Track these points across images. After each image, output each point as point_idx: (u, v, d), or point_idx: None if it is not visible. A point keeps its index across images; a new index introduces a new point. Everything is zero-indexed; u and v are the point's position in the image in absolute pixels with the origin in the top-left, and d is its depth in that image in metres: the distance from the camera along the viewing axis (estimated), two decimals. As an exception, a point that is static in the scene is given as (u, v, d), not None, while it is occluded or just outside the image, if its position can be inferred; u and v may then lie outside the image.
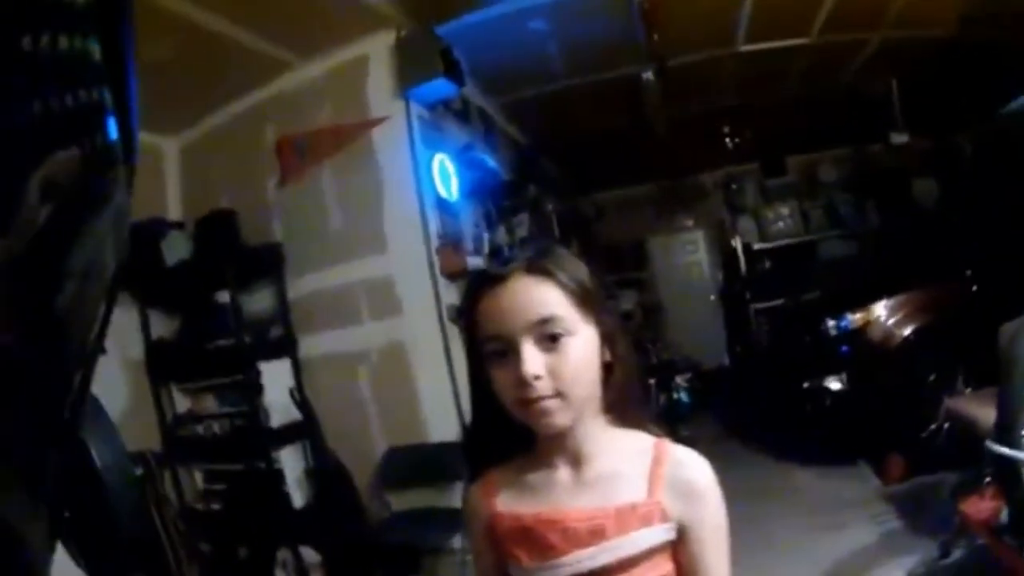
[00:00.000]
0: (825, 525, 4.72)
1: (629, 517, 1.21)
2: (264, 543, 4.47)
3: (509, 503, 1.30)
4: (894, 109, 7.64)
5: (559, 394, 1.17)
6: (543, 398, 1.16)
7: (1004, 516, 2.98)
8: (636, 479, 1.24)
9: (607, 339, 1.24)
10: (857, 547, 4.34)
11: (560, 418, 1.19)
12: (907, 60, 6.77)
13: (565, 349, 1.17)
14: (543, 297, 1.18)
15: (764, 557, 4.14)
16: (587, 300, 1.21)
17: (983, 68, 6.80)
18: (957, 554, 3.76)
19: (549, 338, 1.17)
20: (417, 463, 4.55)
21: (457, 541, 4.30)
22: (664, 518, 1.22)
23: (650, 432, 1.31)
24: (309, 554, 4.45)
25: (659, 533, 1.22)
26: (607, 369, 1.25)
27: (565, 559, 1.21)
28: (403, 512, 4.56)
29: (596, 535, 1.21)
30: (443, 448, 4.45)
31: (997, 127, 7.49)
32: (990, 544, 3.13)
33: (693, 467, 1.27)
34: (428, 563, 4.54)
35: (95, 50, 0.85)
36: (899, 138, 7.92)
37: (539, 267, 1.20)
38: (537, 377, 1.15)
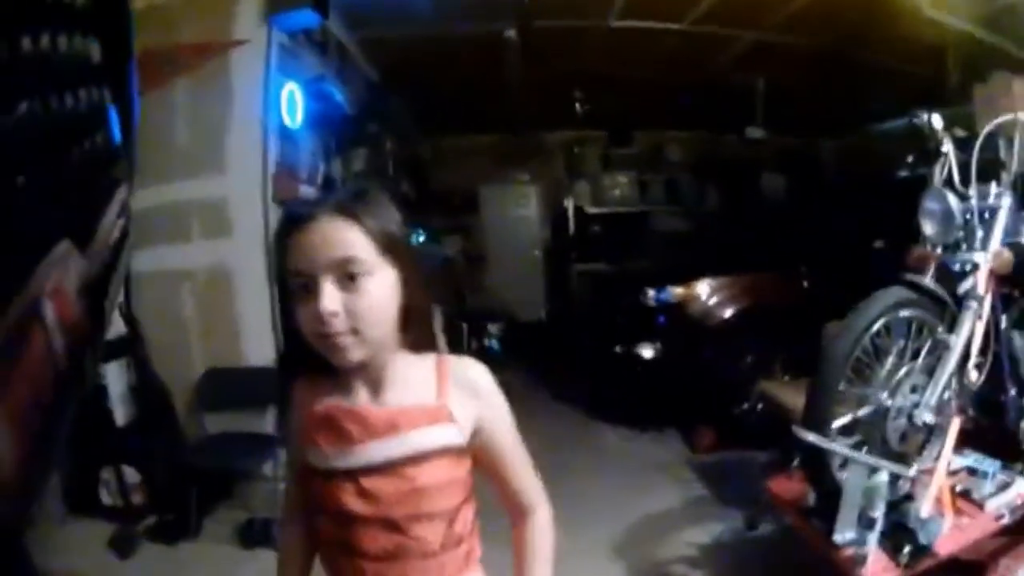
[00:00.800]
0: (632, 486, 4.94)
1: (420, 415, 1.33)
2: (87, 461, 4.30)
3: (320, 398, 1.38)
4: (755, 105, 7.97)
5: (354, 331, 1.24)
6: (339, 334, 1.24)
7: (810, 499, 3.21)
8: (426, 386, 1.37)
9: (406, 283, 1.31)
10: (664, 509, 4.57)
11: (353, 354, 1.27)
12: (778, 62, 7.02)
13: (363, 289, 1.24)
14: (345, 238, 1.23)
15: (570, 511, 4.20)
16: (389, 245, 1.28)
17: (855, 83, 7.14)
18: (764, 528, 4.04)
19: (348, 277, 1.23)
20: (234, 386, 4.51)
21: (269, 468, 4.32)
22: (452, 419, 1.35)
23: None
24: (131, 474, 4.31)
25: (449, 433, 1.34)
26: (404, 311, 1.33)
27: (360, 447, 1.32)
28: (217, 435, 4.49)
29: (390, 428, 1.32)
30: (260, 373, 4.43)
31: (862, 142, 7.96)
32: (797, 524, 3.33)
33: (474, 369, 1.42)
34: (240, 488, 4.53)
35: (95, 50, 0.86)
36: (755, 132, 8.27)
37: (346, 209, 1.25)
38: (333, 314, 1.22)
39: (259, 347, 4.59)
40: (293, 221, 1.27)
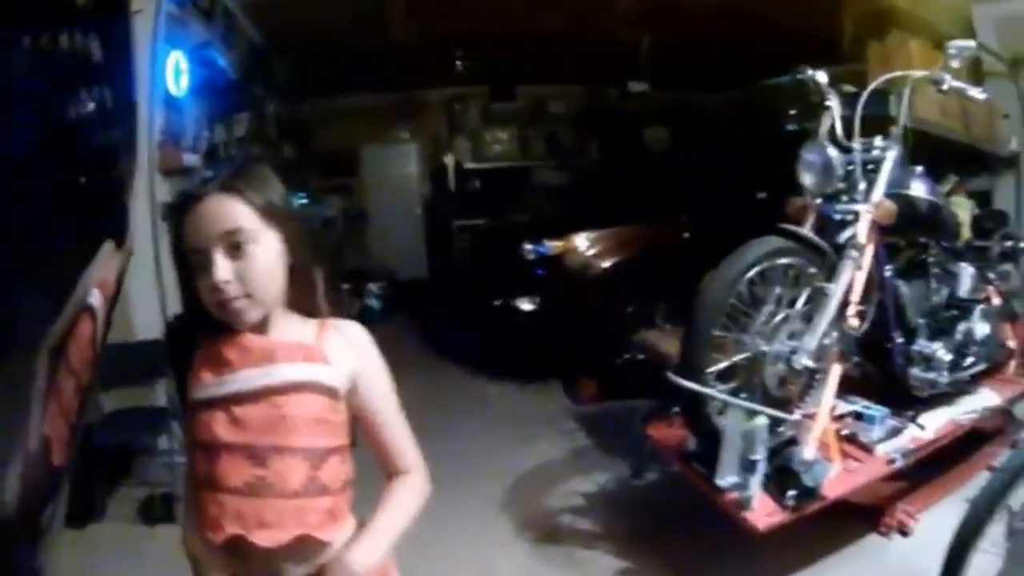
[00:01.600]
0: (516, 439, 4.98)
1: (296, 350, 1.43)
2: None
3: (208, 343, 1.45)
4: (639, 59, 8.01)
5: (247, 295, 1.37)
6: (234, 299, 1.36)
7: (691, 444, 3.29)
8: (307, 335, 1.48)
9: (290, 245, 1.43)
10: (549, 460, 4.62)
11: (250, 315, 1.39)
12: (667, 17, 7.06)
13: (250, 255, 1.36)
14: (230, 211, 1.35)
15: (454, 466, 4.15)
16: (271, 212, 1.39)
17: (746, 39, 7.20)
18: (649, 476, 4.12)
19: (235, 247, 1.35)
20: (125, 361, 4.31)
21: (164, 441, 4.20)
22: (327, 362, 1.45)
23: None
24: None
25: (322, 371, 1.44)
26: (291, 272, 1.44)
27: (235, 375, 1.39)
28: (113, 412, 4.34)
29: (265, 357, 1.40)
30: (149, 346, 4.25)
31: (748, 97, 8.08)
32: (680, 469, 3.42)
33: (352, 326, 1.53)
34: (138, 463, 4.41)
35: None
36: (638, 86, 8.33)
37: (229, 185, 1.37)
38: (226, 282, 1.34)
39: (147, 321, 4.42)
40: (183, 203, 1.39)
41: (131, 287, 4.41)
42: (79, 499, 4.02)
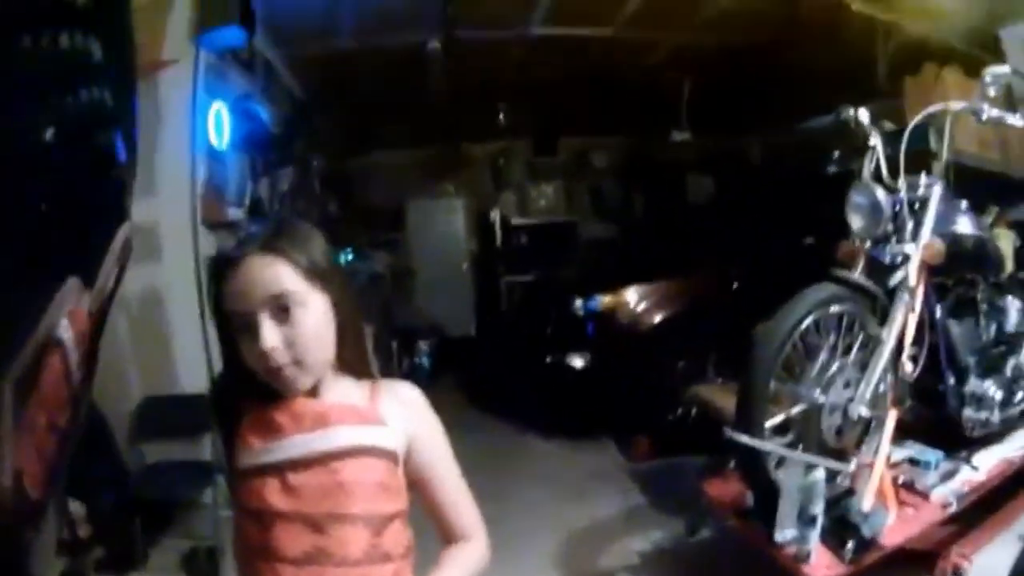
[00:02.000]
0: (569, 496, 4.91)
1: (350, 413, 1.38)
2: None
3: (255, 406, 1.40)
4: (680, 107, 8.04)
5: (297, 362, 1.32)
6: (283, 366, 1.31)
7: (748, 499, 3.20)
8: (360, 397, 1.43)
9: (337, 306, 1.38)
10: (602, 518, 4.55)
11: (300, 383, 1.35)
12: (703, 63, 7.11)
13: (298, 319, 1.31)
14: (274, 275, 1.30)
15: (507, 524, 4.10)
16: (316, 272, 1.34)
17: (782, 81, 7.19)
18: (704, 533, 4.01)
19: (282, 310, 1.30)
20: (170, 414, 4.40)
21: (208, 495, 4.21)
22: (383, 423, 1.40)
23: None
24: (76, 507, 4.15)
25: (378, 433, 1.39)
26: (340, 332, 1.39)
27: (288, 440, 1.34)
28: (156, 464, 4.38)
29: (320, 421, 1.35)
30: (194, 399, 4.27)
31: (789, 140, 8.04)
32: (737, 526, 3.33)
33: (405, 387, 1.50)
34: (181, 516, 4.41)
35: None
36: (680, 135, 8.34)
37: (271, 246, 1.32)
38: (274, 349, 1.29)
39: (192, 373, 4.47)
40: (223, 264, 1.34)
41: (175, 339, 4.56)
42: (120, 546, 4.12)
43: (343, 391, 1.42)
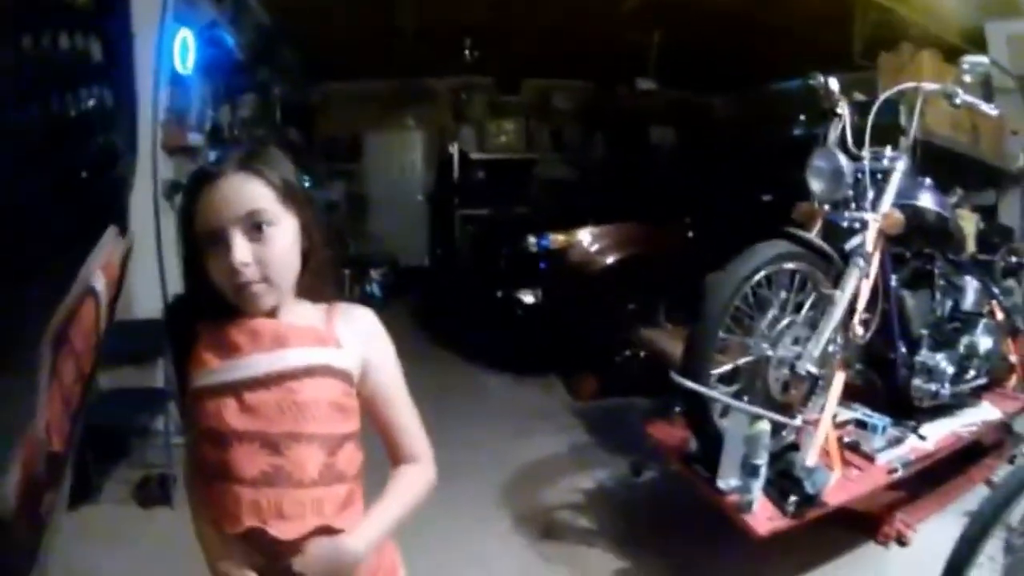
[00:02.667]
0: (514, 432, 4.96)
1: (307, 334, 1.40)
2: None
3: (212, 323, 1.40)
4: (649, 57, 8.00)
5: (265, 279, 1.33)
6: (252, 282, 1.32)
7: (693, 445, 3.27)
8: (317, 319, 1.45)
9: (306, 230, 1.41)
10: (547, 455, 4.60)
11: (265, 300, 1.36)
12: (677, 17, 7.05)
13: (270, 237, 1.33)
14: (250, 192, 1.33)
15: (451, 457, 4.21)
16: (289, 195, 1.37)
17: (756, 43, 7.23)
18: (648, 475, 4.11)
19: (255, 228, 1.32)
20: (124, 340, 4.28)
21: (161, 423, 4.20)
22: (338, 345, 1.42)
23: None
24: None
25: (334, 354, 1.40)
26: (304, 256, 1.42)
27: (245, 359, 1.35)
28: (108, 392, 4.23)
29: (277, 342, 1.36)
30: (148, 325, 4.18)
31: (757, 99, 8.07)
32: (681, 471, 3.40)
33: (361, 310, 1.51)
34: (135, 445, 4.39)
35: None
36: (646, 84, 8.32)
37: (248, 165, 1.34)
38: (245, 264, 1.30)
39: (147, 299, 4.40)
40: (200, 181, 1.35)
41: (132, 265, 4.44)
42: (71, 477, 4.05)
43: (301, 313, 1.43)
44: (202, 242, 1.33)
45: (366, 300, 7.64)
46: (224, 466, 1.32)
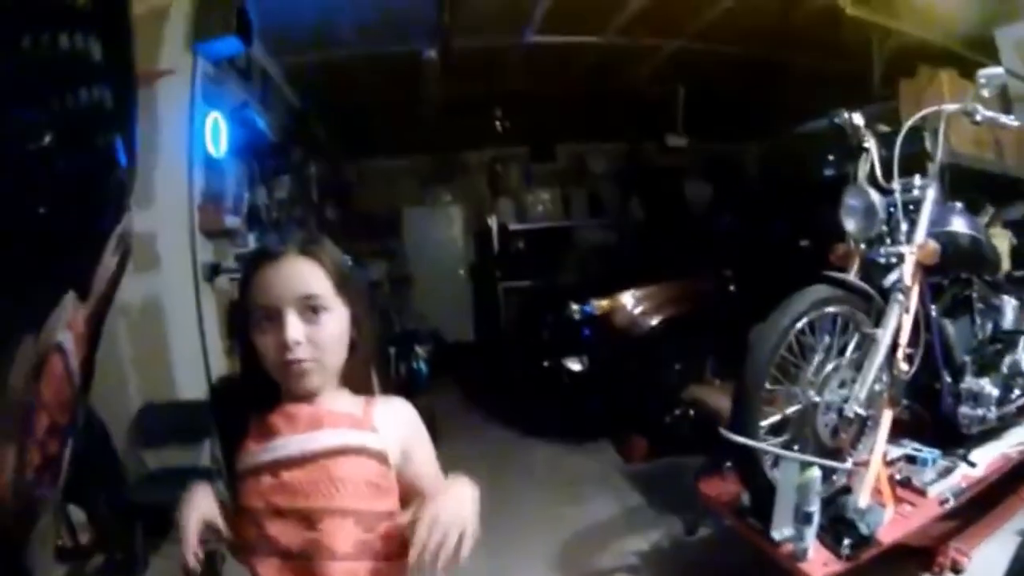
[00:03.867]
0: (568, 498, 4.91)
1: (343, 418, 1.43)
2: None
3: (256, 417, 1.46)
4: (676, 113, 8.05)
5: (315, 359, 1.38)
6: (302, 361, 1.37)
7: (745, 499, 3.22)
8: (355, 407, 1.47)
9: (355, 321, 1.46)
10: (601, 519, 4.55)
11: (313, 380, 1.40)
12: (699, 69, 7.13)
13: (323, 322, 1.39)
14: (310, 275, 1.39)
15: (507, 527, 4.21)
16: (344, 284, 1.43)
17: (778, 86, 7.25)
18: (703, 532, 4.03)
19: (311, 310, 1.38)
20: (170, 421, 4.39)
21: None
22: (374, 430, 1.44)
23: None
24: (77, 513, 4.16)
25: (367, 437, 1.43)
26: (351, 346, 1.47)
27: (282, 440, 1.40)
28: (157, 471, 4.38)
29: (313, 425, 1.41)
30: (194, 406, 4.30)
31: (785, 144, 8.06)
32: (735, 525, 3.35)
33: (397, 401, 1.55)
34: (182, 523, 4.36)
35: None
36: (676, 140, 8.36)
37: (309, 250, 1.41)
38: (298, 342, 1.35)
39: (191, 380, 4.50)
40: (262, 258, 1.42)
41: (174, 346, 4.55)
42: (121, 553, 4.11)
43: (339, 401, 1.47)
44: (255, 320, 1.39)
45: (413, 377, 7.68)
46: (262, 540, 1.38)
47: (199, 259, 4.58)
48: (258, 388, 1.44)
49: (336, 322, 1.40)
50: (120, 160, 2.54)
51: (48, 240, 2.01)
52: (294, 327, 1.35)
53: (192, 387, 4.46)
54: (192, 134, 4.62)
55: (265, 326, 1.37)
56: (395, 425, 1.48)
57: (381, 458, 1.43)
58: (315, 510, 1.35)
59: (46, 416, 1.84)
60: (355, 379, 1.50)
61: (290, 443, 1.39)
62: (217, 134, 4.88)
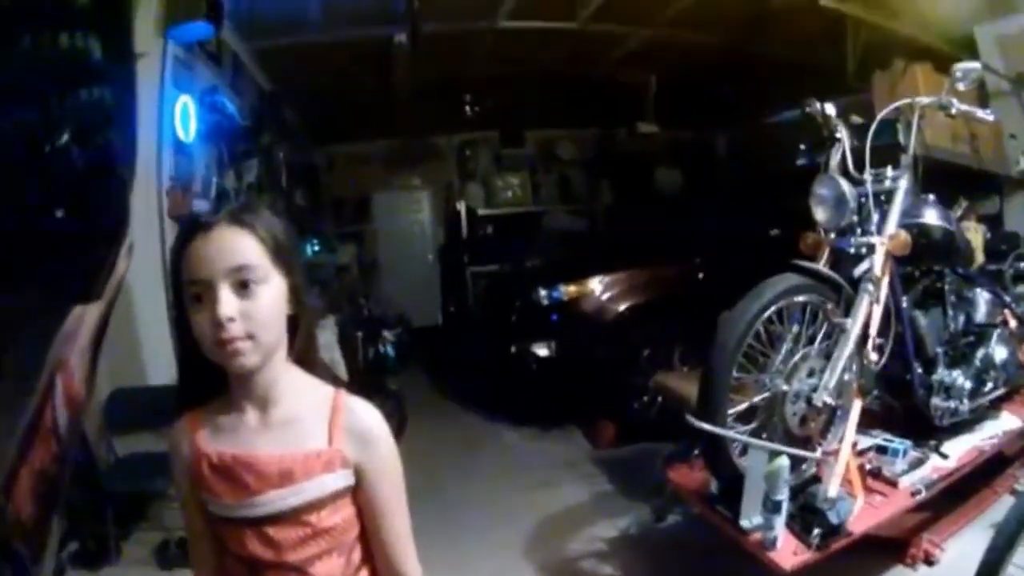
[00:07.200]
0: (535, 484, 4.90)
1: (314, 463, 1.36)
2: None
3: (209, 442, 1.40)
4: (647, 101, 8.06)
5: (250, 336, 1.28)
6: (235, 339, 1.27)
7: (714, 487, 3.24)
8: (318, 427, 1.39)
9: (294, 291, 1.38)
10: (569, 505, 4.57)
11: (250, 359, 1.30)
12: (671, 57, 7.16)
13: (257, 295, 1.29)
14: (241, 246, 1.29)
15: (476, 512, 4.26)
16: (280, 253, 1.34)
17: (750, 76, 7.26)
18: (671, 519, 4.07)
19: (242, 284, 1.28)
20: (140, 406, 4.34)
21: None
22: (344, 464, 1.38)
23: (330, 382, 1.48)
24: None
25: (341, 478, 1.38)
26: (293, 320, 1.39)
27: (260, 498, 1.34)
28: (127, 457, 4.35)
29: (285, 478, 1.34)
30: (163, 391, 4.22)
31: (756, 133, 8.09)
32: (703, 513, 3.36)
33: (367, 416, 1.44)
34: (154, 509, 4.37)
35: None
36: (647, 127, 8.38)
37: (240, 219, 1.32)
38: (231, 318, 1.26)
39: (160, 365, 4.48)
40: (190, 231, 1.32)
41: (143, 331, 4.53)
42: (93, 540, 4.07)
43: (296, 394, 1.41)
44: (188, 297, 1.30)
45: (380, 362, 7.65)
46: None
47: (167, 244, 4.50)
48: (198, 375, 1.38)
49: (272, 294, 1.31)
50: (121, 159, 2.52)
51: (60, 241, 2.00)
52: (227, 303, 1.25)
53: (162, 372, 4.43)
54: (161, 118, 4.59)
55: (196, 303, 1.28)
56: (359, 440, 1.40)
57: (351, 489, 1.41)
58: (305, 559, 1.37)
59: (46, 449, 1.82)
60: (303, 353, 1.43)
61: (268, 500, 1.34)
62: (186, 118, 4.85)
